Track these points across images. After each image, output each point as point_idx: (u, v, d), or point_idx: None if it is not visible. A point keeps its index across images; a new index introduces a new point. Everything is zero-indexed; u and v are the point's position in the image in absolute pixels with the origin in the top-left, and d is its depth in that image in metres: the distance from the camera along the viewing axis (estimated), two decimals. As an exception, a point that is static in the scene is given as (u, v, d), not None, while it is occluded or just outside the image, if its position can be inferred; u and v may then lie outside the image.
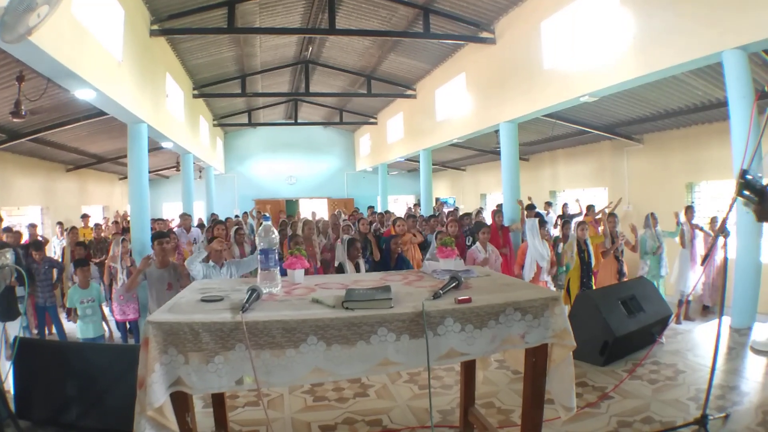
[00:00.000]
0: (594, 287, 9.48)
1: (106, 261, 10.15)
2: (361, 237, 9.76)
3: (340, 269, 8.47)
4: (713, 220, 10.96)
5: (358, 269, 8.53)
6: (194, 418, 3.30)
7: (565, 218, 11.61)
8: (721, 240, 4.44)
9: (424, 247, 11.05)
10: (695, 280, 10.30)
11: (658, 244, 10.46)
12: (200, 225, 16.81)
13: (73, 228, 13.14)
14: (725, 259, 4.61)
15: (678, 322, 9.37)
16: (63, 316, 10.08)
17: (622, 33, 10.14)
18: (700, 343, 8.06)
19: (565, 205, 15.82)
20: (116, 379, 5.12)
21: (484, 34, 14.96)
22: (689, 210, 10.94)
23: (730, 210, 4.22)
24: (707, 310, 10.88)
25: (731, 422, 4.98)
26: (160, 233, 7.85)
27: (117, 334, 9.97)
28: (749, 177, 3.20)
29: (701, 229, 10.94)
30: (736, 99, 8.05)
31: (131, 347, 5.94)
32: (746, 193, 3.25)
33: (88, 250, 11.08)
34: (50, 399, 5.41)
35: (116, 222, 17.27)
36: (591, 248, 9.65)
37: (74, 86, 9.31)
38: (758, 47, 8.07)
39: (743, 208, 3.39)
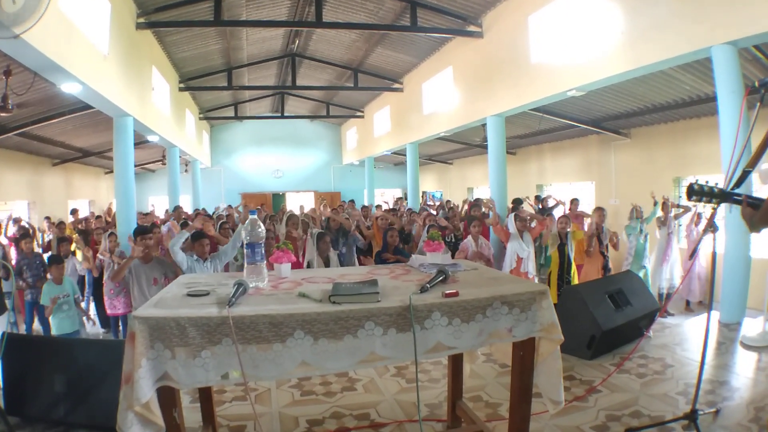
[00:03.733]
0: (576, 283, 9.50)
1: (96, 253, 10.07)
2: (334, 230, 9.70)
3: (309, 266, 8.37)
4: (697, 216, 10.99)
5: (327, 264, 8.48)
6: (181, 413, 3.30)
7: (546, 212, 11.61)
8: (709, 234, 4.43)
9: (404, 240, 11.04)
10: (671, 274, 10.37)
11: (645, 233, 10.52)
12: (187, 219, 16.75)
13: (61, 222, 13.06)
14: (713, 254, 4.59)
15: (662, 315, 9.39)
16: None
17: (610, 27, 10.15)
18: (688, 337, 8.07)
19: (545, 199, 15.72)
20: (104, 375, 5.11)
21: (472, 28, 14.97)
22: (665, 205, 10.94)
23: (718, 205, 4.22)
24: (689, 306, 10.91)
25: (722, 418, 4.98)
26: (142, 228, 7.84)
27: (97, 330, 9.95)
28: (696, 187, 3.22)
29: (678, 206, 11.05)
30: (725, 94, 8.06)
31: (118, 342, 5.92)
32: (695, 197, 3.28)
33: (71, 243, 11.00)
34: (39, 395, 5.39)
35: (99, 217, 17.14)
36: (572, 243, 9.62)
37: (61, 80, 9.28)
38: (748, 42, 8.07)
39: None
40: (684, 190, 3.32)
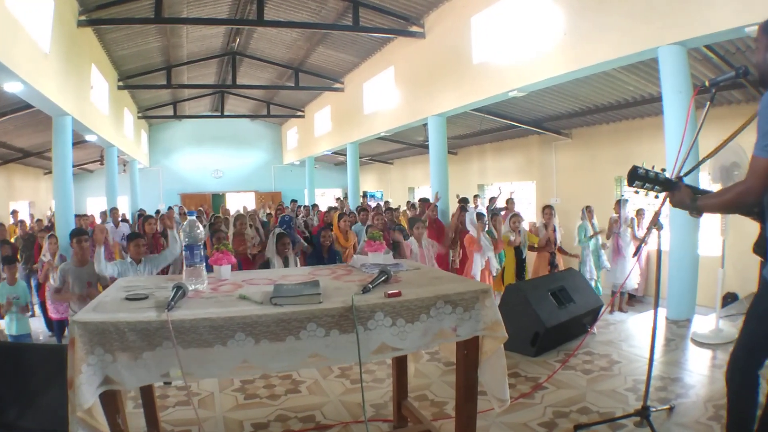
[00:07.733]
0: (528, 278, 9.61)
1: (41, 256, 9.98)
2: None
3: (267, 264, 8.38)
4: (639, 212, 11.18)
5: (286, 264, 8.46)
6: (125, 419, 3.22)
7: (494, 212, 11.69)
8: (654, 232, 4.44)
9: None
10: (626, 272, 10.48)
11: (593, 232, 10.61)
12: (125, 220, 16.61)
13: (1, 225, 12.86)
14: (659, 252, 4.63)
15: (611, 312, 9.50)
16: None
17: (553, 28, 10.26)
18: (633, 333, 8.08)
19: (492, 200, 15.76)
20: (50, 379, 5.02)
21: (414, 28, 15.05)
22: (618, 204, 11.10)
23: (663, 203, 4.25)
24: (633, 299, 11.08)
25: (677, 415, 4.96)
26: (79, 230, 7.75)
27: (46, 333, 9.90)
28: (641, 171, 3.19)
29: (630, 224, 11.14)
30: (670, 94, 8.16)
31: (62, 347, 5.82)
32: (638, 183, 3.25)
33: (15, 249, 10.88)
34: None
35: (40, 220, 16.97)
36: (526, 240, 9.72)
37: (4, 79, 9.16)
38: (698, 42, 8.17)
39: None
40: (626, 176, 3.25)
